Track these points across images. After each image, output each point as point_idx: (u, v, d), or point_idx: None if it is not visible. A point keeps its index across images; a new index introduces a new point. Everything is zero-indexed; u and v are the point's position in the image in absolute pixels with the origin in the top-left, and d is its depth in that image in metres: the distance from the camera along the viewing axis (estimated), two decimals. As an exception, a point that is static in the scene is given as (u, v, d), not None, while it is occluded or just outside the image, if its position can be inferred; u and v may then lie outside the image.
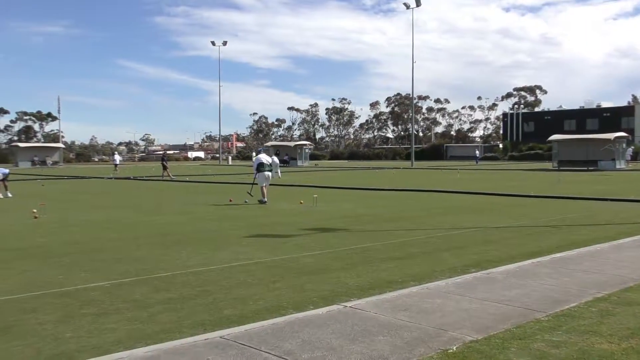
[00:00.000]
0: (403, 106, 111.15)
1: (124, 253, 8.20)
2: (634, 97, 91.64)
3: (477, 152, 64.82)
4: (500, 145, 73.53)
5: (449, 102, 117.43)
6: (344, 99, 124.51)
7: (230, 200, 16.03)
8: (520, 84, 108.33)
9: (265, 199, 15.75)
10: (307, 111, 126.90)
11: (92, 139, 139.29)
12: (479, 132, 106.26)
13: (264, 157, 16.40)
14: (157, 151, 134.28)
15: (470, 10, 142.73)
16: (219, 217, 12.73)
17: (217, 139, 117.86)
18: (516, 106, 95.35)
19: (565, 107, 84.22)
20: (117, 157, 43.02)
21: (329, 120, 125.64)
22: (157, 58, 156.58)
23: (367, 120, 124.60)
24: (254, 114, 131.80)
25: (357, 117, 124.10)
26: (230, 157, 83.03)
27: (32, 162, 61.39)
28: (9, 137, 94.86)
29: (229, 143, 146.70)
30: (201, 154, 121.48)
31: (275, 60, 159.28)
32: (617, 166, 37.63)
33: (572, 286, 5.39)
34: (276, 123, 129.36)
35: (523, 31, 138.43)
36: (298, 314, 4.86)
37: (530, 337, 4.00)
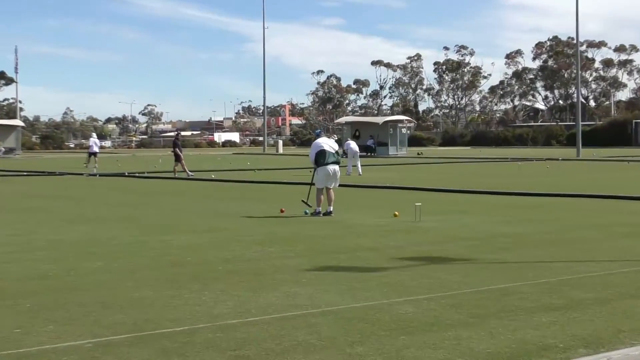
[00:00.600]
0: (561, 58, 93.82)
1: (114, 293, 7.61)
2: None
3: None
4: None
5: (638, 51, 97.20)
6: (462, 47, 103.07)
7: (282, 211, 15.20)
8: None
9: (331, 209, 14.65)
10: (403, 68, 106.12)
11: (66, 114, 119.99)
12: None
13: (327, 142, 15.16)
14: (166, 132, 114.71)
15: None
16: (264, 238, 11.79)
17: (261, 112, 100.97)
18: None
19: None
20: (94, 142, 40.14)
21: (440, 82, 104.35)
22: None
23: (501, 82, 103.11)
24: (319, 72, 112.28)
25: (484, 77, 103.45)
26: (280, 142, 71.97)
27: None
28: None
29: (279, 119, 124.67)
30: (235, 136, 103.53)
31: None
32: None
33: None
34: (354, 87, 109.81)
35: None
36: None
37: None
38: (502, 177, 28.63)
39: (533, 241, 11.41)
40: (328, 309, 6.98)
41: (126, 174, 31.52)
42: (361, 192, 21.36)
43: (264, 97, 73.67)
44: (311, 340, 5.92)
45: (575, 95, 75.42)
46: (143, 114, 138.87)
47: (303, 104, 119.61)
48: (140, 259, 10.11)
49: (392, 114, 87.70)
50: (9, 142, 59.47)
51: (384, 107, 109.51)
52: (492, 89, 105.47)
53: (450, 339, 5.90)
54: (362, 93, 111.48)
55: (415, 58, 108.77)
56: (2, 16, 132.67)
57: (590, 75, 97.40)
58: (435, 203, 17.33)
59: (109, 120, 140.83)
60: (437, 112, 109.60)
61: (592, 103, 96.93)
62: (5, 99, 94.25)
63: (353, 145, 29.69)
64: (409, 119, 68.95)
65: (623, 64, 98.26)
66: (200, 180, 28.12)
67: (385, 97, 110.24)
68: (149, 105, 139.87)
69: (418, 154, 55.30)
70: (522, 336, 5.96)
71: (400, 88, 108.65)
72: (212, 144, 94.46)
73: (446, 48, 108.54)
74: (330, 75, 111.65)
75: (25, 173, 33.65)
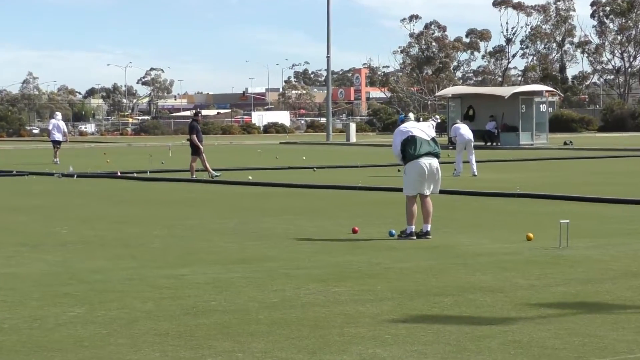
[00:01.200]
0: None
1: (100, 356, 7.43)
2: None
3: None
4: None
5: None
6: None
7: (355, 231, 15.46)
8: None
9: (428, 228, 14.47)
10: (543, 10, 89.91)
11: (27, 83, 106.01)
12: None
13: (417, 126, 14.95)
14: (180, 110, 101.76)
15: None
16: (327, 271, 11.56)
17: (323, 80, 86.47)
18: None
19: None
20: (56, 126, 41.03)
21: (600, 32, 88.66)
22: None
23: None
24: (412, 19, 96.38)
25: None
26: (353, 126, 62.72)
27: None
28: None
29: (351, 90, 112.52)
30: (283, 117, 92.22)
31: None
32: None
33: None
34: (466, 41, 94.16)
35: None
36: None
37: None
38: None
39: None
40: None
41: (118, 173, 30.39)
42: (475, 202, 20.55)
43: (328, 58, 61.56)
44: None
45: None
46: (143, 84, 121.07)
47: (387, 67, 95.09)
48: (140, 303, 9.53)
49: (525, 83, 75.50)
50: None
51: (513, 73, 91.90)
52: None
53: None
54: (478, 50, 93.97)
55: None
56: None
57: None
58: (591, 219, 16.61)
59: (92, 93, 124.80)
60: (595, 79, 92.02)
61: None
62: None
63: (464, 130, 26.12)
64: (552, 89, 57.25)
65: None
66: (231, 183, 27.08)
67: (514, 56, 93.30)
68: (152, 69, 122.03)
69: (566, 143, 49.73)
70: None
71: (539, 42, 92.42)
72: (248, 128, 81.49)
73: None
74: (431, 23, 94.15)
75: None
